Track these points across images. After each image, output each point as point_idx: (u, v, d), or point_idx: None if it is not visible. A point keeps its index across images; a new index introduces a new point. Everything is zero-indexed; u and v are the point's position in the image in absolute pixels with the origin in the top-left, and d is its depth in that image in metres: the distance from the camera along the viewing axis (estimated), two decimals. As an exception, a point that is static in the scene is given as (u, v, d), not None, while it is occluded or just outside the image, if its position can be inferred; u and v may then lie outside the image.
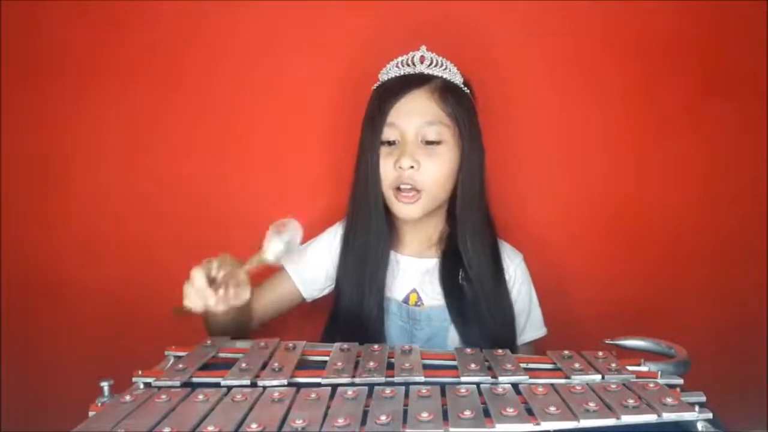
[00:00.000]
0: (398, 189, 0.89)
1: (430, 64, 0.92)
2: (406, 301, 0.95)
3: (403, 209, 0.90)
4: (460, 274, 0.93)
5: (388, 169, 0.89)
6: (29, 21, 1.10)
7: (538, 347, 1.02)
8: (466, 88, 0.94)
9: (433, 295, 0.94)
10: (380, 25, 1.11)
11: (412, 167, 0.87)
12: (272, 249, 0.62)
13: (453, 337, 0.93)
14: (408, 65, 0.92)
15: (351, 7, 1.11)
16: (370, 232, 0.93)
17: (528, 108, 1.15)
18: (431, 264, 0.95)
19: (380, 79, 0.95)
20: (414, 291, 0.95)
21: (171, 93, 1.13)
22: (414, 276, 0.96)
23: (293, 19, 1.11)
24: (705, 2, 1.13)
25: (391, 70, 0.93)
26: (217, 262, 0.75)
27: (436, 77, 0.91)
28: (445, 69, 0.92)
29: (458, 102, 0.91)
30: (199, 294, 0.73)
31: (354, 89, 1.00)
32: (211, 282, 0.73)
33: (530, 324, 1.00)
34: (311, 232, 1.02)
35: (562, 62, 1.14)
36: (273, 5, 1.11)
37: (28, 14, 1.10)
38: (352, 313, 0.92)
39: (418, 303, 0.94)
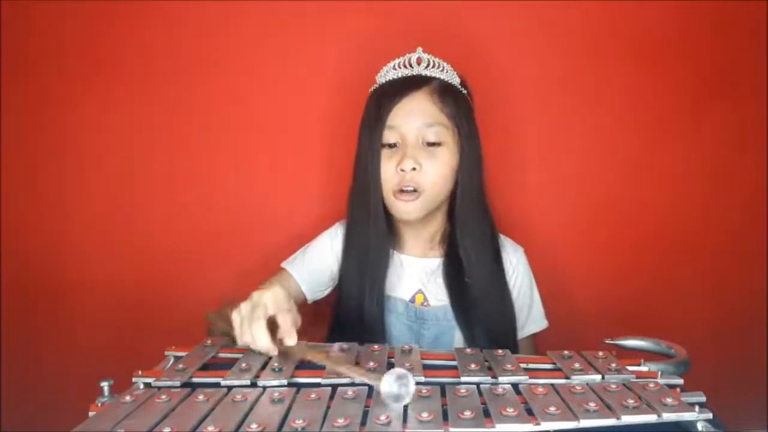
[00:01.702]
0: (399, 190, 0.89)
1: (428, 66, 0.91)
2: (412, 301, 0.95)
3: (402, 208, 0.89)
4: (465, 274, 0.93)
5: (389, 172, 0.89)
6: (28, 21, 1.10)
7: (539, 340, 1.02)
8: (463, 89, 0.94)
9: (439, 296, 0.94)
10: (379, 26, 1.11)
11: (414, 169, 0.87)
12: (386, 389, 0.57)
13: (460, 336, 0.93)
14: (405, 67, 0.91)
15: (350, 8, 1.11)
16: (370, 233, 0.92)
17: (528, 108, 1.16)
18: (435, 264, 0.96)
19: (377, 82, 0.94)
20: (420, 291, 0.95)
21: (170, 94, 1.13)
22: (419, 276, 0.96)
23: (293, 19, 1.11)
24: (706, 2, 1.13)
25: (388, 73, 0.93)
26: (269, 299, 0.68)
27: (435, 78, 0.91)
28: (443, 70, 0.92)
29: (457, 103, 0.91)
30: (262, 350, 0.67)
31: (353, 90, 1.00)
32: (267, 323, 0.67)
33: (531, 317, 1.01)
34: (310, 232, 1.03)
35: (564, 63, 1.14)
36: (272, 6, 1.11)
37: (27, 14, 1.10)
38: (354, 313, 0.92)
39: (425, 303, 0.95)
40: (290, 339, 0.67)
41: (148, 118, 1.13)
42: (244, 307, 0.69)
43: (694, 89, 1.16)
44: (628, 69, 1.15)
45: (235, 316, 0.69)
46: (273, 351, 0.67)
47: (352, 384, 0.64)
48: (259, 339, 0.66)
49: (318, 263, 0.97)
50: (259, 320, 0.66)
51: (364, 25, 1.12)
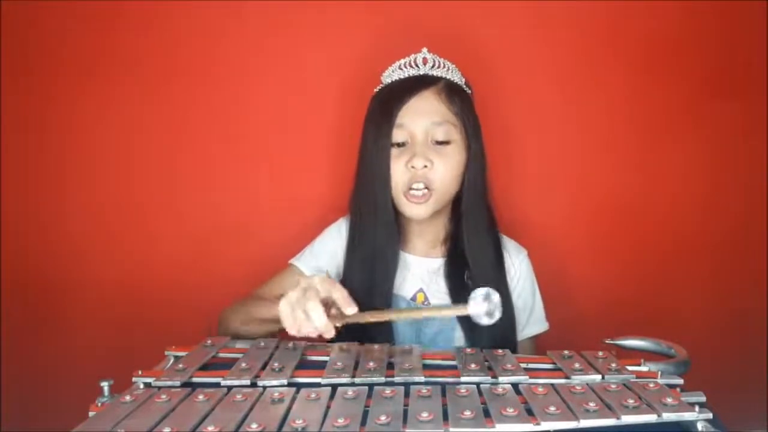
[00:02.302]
0: (409, 189, 0.89)
1: (434, 66, 0.92)
2: (413, 299, 0.95)
3: (413, 209, 0.89)
4: (465, 273, 0.93)
5: (399, 170, 0.89)
6: (28, 21, 1.10)
7: (539, 343, 1.02)
8: (467, 88, 0.95)
9: (440, 295, 0.94)
10: (381, 27, 1.11)
11: (425, 167, 0.87)
12: (476, 310, 0.65)
13: (459, 336, 0.93)
14: (411, 66, 0.92)
15: (352, 9, 1.11)
16: (378, 232, 0.92)
17: (531, 109, 1.16)
18: (437, 264, 0.96)
19: (383, 82, 0.94)
20: (421, 290, 0.95)
21: (169, 94, 1.13)
22: (421, 276, 0.96)
23: (294, 18, 1.11)
24: (707, 2, 1.13)
25: (394, 72, 0.93)
26: (318, 282, 0.69)
27: (442, 78, 0.91)
28: (448, 70, 0.93)
29: (463, 102, 0.91)
30: (320, 329, 0.67)
31: (355, 92, 1.00)
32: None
33: (533, 319, 1.00)
34: (312, 232, 1.02)
35: (565, 62, 1.15)
36: (274, 6, 1.11)
37: (27, 14, 1.10)
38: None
39: (426, 302, 0.95)
40: (351, 308, 0.68)
41: (149, 118, 1.13)
42: (293, 294, 0.69)
43: (694, 89, 1.16)
44: (628, 69, 1.15)
45: (284, 304, 0.69)
46: (329, 330, 0.68)
47: (352, 384, 0.64)
48: (316, 317, 0.66)
49: (326, 258, 0.98)
50: (314, 300, 0.67)
51: (364, 25, 1.12)
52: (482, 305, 0.65)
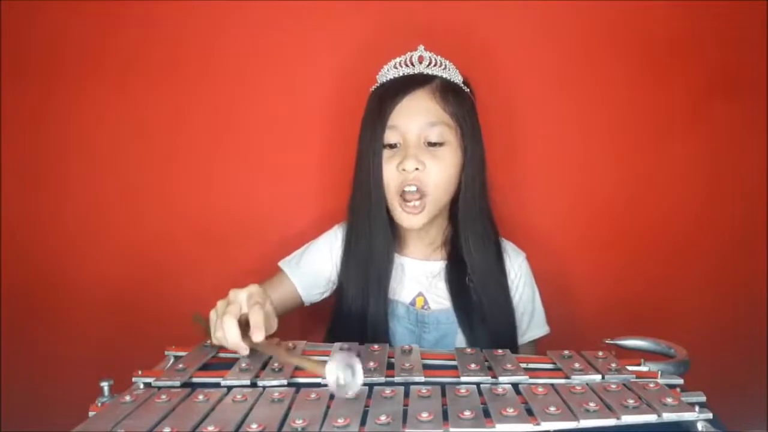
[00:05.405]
0: (403, 198, 0.87)
1: (429, 64, 0.90)
2: (412, 304, 0.94)
3: (407, 220, 0.88)
4: (467, 276, 0.92)
5: (391, 173, 0.87)
6: (28, 21, 1.10)
7: (540, 346, 1.02)
8: (466, 87, 0.93)
9: (440, 299, 0.94)
10: (380, 25, 1.11)
11: (417, 169, 0.85)
12: (331, 377, 0.54)
13: (461, 340, 0.92)
14: (407, 65, 0.90)
15: (350, 7, 1.11)
16: (373, 235, 0.91)
17: (531, 109, 1.15)
18: (437, 267, 0.95)
19: (378, 81, 0.93)
20: (420, 294, 0.94)
21: (168, 93, 1.13)
22: (420, 280, 0.95)
23: (292, 19, 1.11)
24: (708, 3, 1.13)
25: (389, 72, 0.91)
26: (245, 295, 0.69)
27: (437, 77, 0.90)
28: (445, 68, 0.91)
29: (459, 101, 0.89)
30: (231, 345, 0.67)
31: (353, 90, 1.00)
32: (240, 320, 0.67)
33: (533, 323, 1.00)
34: (309, 232, 1.03)
35: (565, 63, 1.14)
36: (271, 5, 1.11)
37: (27, 14, 1.10)
38: (356, 316, 0.91)
39: (425, 306, 0.94)
40: (256, 335, 0.66)
41: (148, 118, 1.13)
42: (221, 304, 0.70)
43: (694, 89, 1.16)
44: (629, 69, 1.15)
45: (212, 314, 0.70)
46: (243, 349, 0.67)
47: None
48: (229, 335, 0.66)
49: (315, 265, 0.97)
50: (231, 315, 0.66)
51: (364, 24, 1.12)
52: (337, 374, 0.54)
